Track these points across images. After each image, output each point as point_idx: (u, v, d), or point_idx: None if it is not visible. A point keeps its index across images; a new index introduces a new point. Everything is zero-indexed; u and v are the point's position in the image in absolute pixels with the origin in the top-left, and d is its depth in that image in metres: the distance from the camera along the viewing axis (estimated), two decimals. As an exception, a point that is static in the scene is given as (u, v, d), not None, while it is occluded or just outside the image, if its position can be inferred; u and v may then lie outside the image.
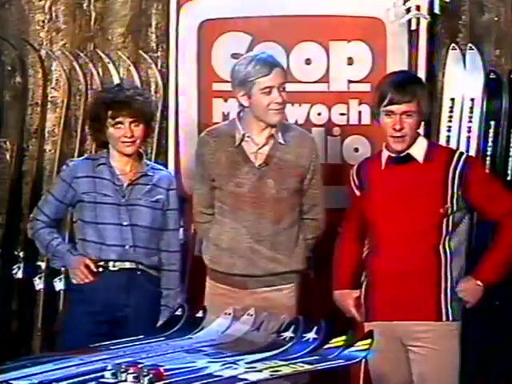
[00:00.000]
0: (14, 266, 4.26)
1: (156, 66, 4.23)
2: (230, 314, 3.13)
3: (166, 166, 4.05)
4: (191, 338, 3.01)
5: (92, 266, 3.50)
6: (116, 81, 4.21)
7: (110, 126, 3.52)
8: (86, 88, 4.28)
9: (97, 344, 2.94)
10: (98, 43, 4.28)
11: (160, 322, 3.44)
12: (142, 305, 3.51)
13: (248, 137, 3.44)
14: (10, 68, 4.37)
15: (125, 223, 3.51)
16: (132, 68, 4.23)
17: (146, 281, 3.54)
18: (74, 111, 4.32)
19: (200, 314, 3.19)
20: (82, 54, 4.28)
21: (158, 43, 4.23)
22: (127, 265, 3.52)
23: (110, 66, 4.24)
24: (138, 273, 3.53)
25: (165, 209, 3.59)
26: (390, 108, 3.18)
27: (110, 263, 3.51)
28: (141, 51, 4.24)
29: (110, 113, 3.51)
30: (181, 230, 3.96)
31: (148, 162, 3.67)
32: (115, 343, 2.93)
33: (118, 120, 3.51)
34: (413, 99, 3.17)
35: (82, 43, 4.30)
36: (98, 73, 4.27)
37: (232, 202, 3.45)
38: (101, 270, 3.51)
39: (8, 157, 4.37)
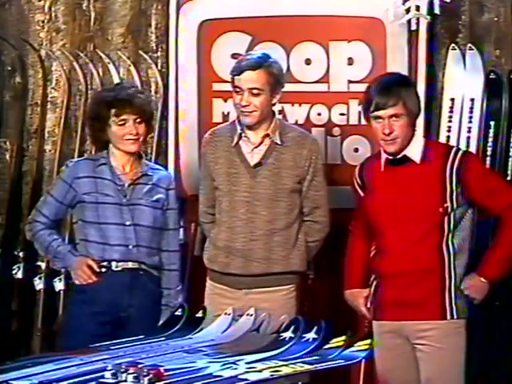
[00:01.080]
0: (14, 266, 4.26)
1: (156, 66, 4.23)
2: (229, 314, 3.15)
3: (165, 166, 4.04)
4: (191, 338, 3.02)
5: (95, 267, 3.49)
6: (116, 81, 4.20)
7: (115, 124, 3.51)
8: (86, 88, 4.28)
9: (97, 344, 2.95)
10: (97, 43, 4.28)
11: (161, 322, 3.43)
12: (144, 305, 3.50)
13: (245, 136, 3.45)
14: (9, 68, 4.37)
15: (127, 223, 3.50)
16: (132, 68, 4.23)
17: (148, 281, 3.54)
18: (73, 111, 4.32)
19: (200, 315, 3.21)
20: (81, 54, 4.29)
21: (157, 43, 4.24)
22: (130, 265, 3.51)
23: (110, 66, 4.24)
24: (141, 273, 3.53)
25: (165, 208, 3.58)
26: (377, 113, 3.19)
27: (113, 263, 3.51)
28: (141, 51, 4.24)
29: (113, 111, 3.51)
30: (181, 230, 3.95)
31: (147, 162, 3.67)
32: (115, 343, 2.95)
33: (122, 118, 3.50)
34: (398, 102, 3.17)
35: (81, 43, 4.30)
36: (98, 73, 4.27)
37: (228, 201, 3.46)
38: (104, 270, 3.50)
39: (8, 157, 4.37)
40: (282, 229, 3.44)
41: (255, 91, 3.37)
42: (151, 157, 4.12)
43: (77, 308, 3.53)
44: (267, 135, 3.44)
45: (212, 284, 3.52)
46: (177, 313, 3.19)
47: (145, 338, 3.01)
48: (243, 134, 3.45)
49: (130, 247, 3.50)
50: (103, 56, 4.25)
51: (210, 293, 3.51)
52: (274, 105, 3.45)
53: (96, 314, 3.46)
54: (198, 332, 3.07)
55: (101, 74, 4.27)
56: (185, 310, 3.18)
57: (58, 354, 2.77)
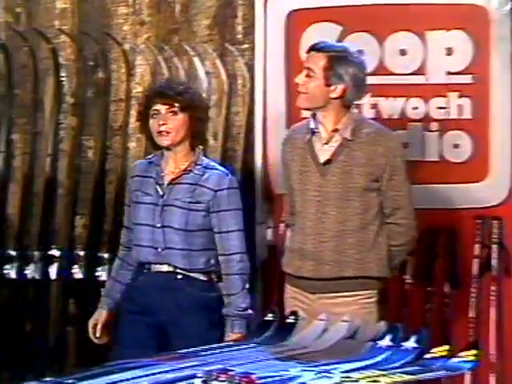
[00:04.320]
0: (99, 268, 4.32)
1: (243, 58, 4.23)
2: (323, 320, 3.10)
3: (252, 163, 4.05)
4: (283, 344, 3.00)
5: (98, 328, 3.59)
6: (202, 75, 4.22)
7: (150, 116, 3.48)
8: None
9: (185, 350, 2.95)
10: (183, 36, 4.29)
11: (227, 334, 3.42)
12: (182, 309, 3.47)
13: (317, 132, 3.43)
14: (92, 63, 4.40)
15: (158, 225, 3.47)
16: (218, 61, 4.23)
17: (187, 285, 3.49)
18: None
19: (291, 320, 3.17)
20: (166, 48, 4.29)
21: (244, 35, 4.23)
22: (165, 268, 3.50)
23: (196, 59, 4.25)
24: (179, 276, 3.49)
25: (211, 210, 3.49)
26: None
27: (151, 265, 3.52)
28: (227, 44, 4.24)
29: (149, 103, 3.50)
30: (269, 230, 3.97)
31: (203, 160, 3.53)
32: (204, 349, 2.94)
33: (154, 108, 3.46)
34: None
35: (166, 36, 4.31)
36: (183, 66, 4.28)
37: (301, 201, 3.44)
38: (145, 271, 3.53)
39: (91, 155, 4.41)
40: (354, 230, 3.38)
41: (311, 73, 3.37)
42: (239, 153, 4.14)
43: (124, 315, 3.58)
44: (336, 130, 3.40)
45: (289, 288, 3.51)
46: (267, 318, 3.17)
47: (235, 344, 3.02)
48: (315, 130, 3.43)
49: (159, 250, 3.48)
50: (188, 49, 4.26)
51: (287, 296, 3.51)
52: (338, 98, 3.37)
53: (134, 316, 3.51)
54: (290, 338, 3.04)
55: (186, 67, 4.27)
56: (275, 314, 3.16)
57: (146, 360, 2.78)
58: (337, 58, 3.37)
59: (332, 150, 3.39)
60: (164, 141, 3.47)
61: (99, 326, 3.59)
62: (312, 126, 3.42)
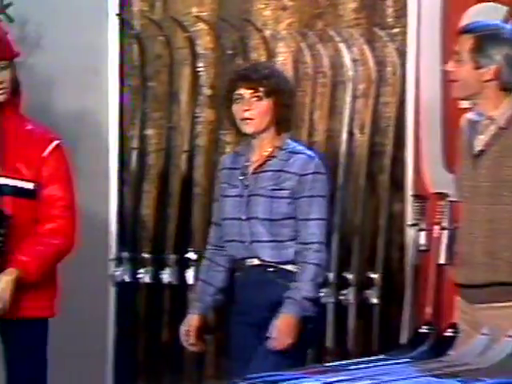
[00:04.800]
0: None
1: (393, 44, 4.09)
2: (485, 334, 2.87)
3: (403, 159, 3.92)
4: (440, 360, 2.83)
5: (192, 334, 3.49)
6: (347, 62, 4.12)
7: (234, 102, 3.40)
8: (314, 71, 4.19)
9: (332, 364, 2.83)
10: (327, 20, 4.20)
11: (282, 310, 3.32)
12: (275, 303, 3.36)
13: (476, 122, 3.23)
14: (231, 52, 4.37)
15: (243, 217, 3.40)
16: (365, 47, 4.10)
17: (279, 277, 3.40)
18: (298, 97, 4.14)
19: (450, 333, 3.03)
20: (310, 34, 4.21)
21: (395, 18, 4.09)
22: (255, 261, 3.42)
23: (341, 46, 4.15)
24: (270, 269, 3.41)
25: (296, 196, 3.39)
26: None
27: (244, 260, 3.43)
28: (375, 28, 4.11)
29: (231, 87, 3.41)
30: (422, 233, 3.79)
31: (290, 145, 3.42)
32: (353, 363, 2.81)
33: (237, 92, 3.37)
34: None
35: (309, 21, 4.23)
36: (327, 54, 4.19)
37: (458, 199, 3.30)
38: (241, 266, 3.46)
39: (230, 151, 4.25)
40: (507, 230, 3.14)
41: (460, 58, 3.16)
42: (389, 148, 4.02)
43: (230, 316, 3.54)
44: (493, 117, 3.17)
45: (457, 297, 3.30)
46: (422, 330, 2.98)
47: (386, 358, 2.86)
48: (474, 120, 3.23)
49: (246, 244, 3.41)
50: (333, 34, 4.16)
51: (457, 307, 3.30)
52: (493, 81, 3.12)
53: (237, 317, 3.47)
54: (449, 353, 2.86)
55: (331, 54, 4.18)
56: (431, 327, 2.97)
57: (291, 373, 2.66)
58: (486, 38, 3.17)
59: (485, 139, 3.21)
60: (248, 128, 3.40)
61: (193, 333, 3.52)
62: (471, 116, 3.26)
